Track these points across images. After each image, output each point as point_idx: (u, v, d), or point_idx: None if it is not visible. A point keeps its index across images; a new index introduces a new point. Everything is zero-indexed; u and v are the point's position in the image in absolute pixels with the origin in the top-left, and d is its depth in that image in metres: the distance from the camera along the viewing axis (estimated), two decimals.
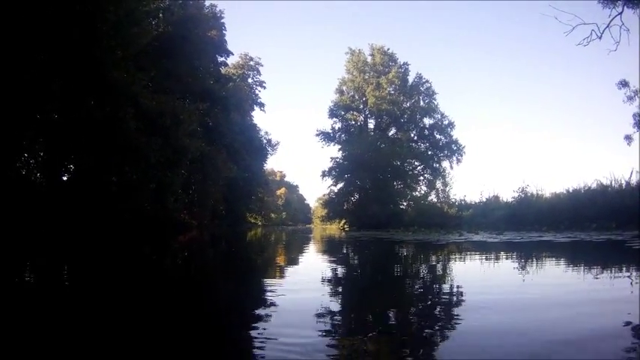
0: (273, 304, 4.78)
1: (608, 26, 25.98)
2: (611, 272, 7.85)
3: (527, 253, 12.15)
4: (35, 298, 5.20)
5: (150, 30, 28.47)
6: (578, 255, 12.17)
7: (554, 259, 10.79)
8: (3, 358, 2.96)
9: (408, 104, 66.16)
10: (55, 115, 22.19)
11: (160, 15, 34.81)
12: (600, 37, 26.25)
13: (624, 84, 31.07)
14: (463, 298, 5.32)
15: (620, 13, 25.58)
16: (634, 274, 7.49)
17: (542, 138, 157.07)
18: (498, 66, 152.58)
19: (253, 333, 3.53)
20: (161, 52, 32.68)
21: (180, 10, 38.49)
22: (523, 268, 8.71)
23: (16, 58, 19.60)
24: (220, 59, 50.66)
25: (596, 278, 7.09)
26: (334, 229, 57.34)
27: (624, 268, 8.35)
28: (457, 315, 4.23)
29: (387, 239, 20.83)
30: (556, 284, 6.38)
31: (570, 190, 32.55)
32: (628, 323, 3.77)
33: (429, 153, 66.41)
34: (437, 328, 3.78)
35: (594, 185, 31.10)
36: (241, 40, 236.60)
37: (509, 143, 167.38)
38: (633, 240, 14.96)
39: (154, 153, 26.99)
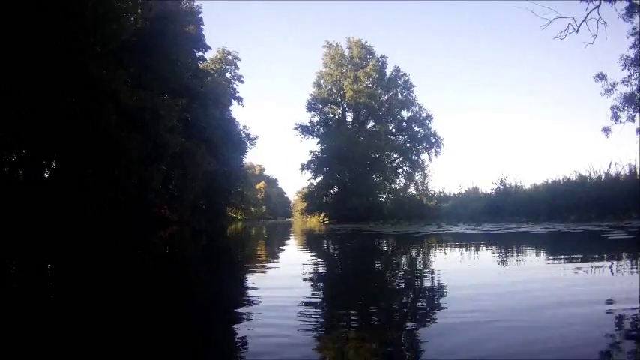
0: (254, 300, 4.85)
1: (585, 19, 26.28)
2: (578, 261, 8.19)
3: (503, 244, 12.42)
4: (16, 297, 5.25)
5: (129, 26, 28.40)
6: (552, 245, 12.43)
7: (529, 249, 11.03)
8: None
9: (386, 97, 66.48)
10: (35, 111, 22.11)
11: (138, 10, 34.70)
12: (577, 31, 26.55)
13: (601, 77, 31.36)
14: (442, 289, 5.45)
15: (598, 7, 25.88)
16: (604, 262, 7.80)
17: (522, 130, 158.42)
18: (478, 58, 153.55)
19: (234, 330, 3.59)
20: (139, 47, 32.57)
21: (158, 6, 38.40)
22: (500, 258, 8.97)
23: None
24: (198, 54, 50.29)
25: (565, 268, 7.35)
26: (314, 222, 57.52)
27: (596, 257, 8.63)
28: (438, 306, 4.38)
29: (366, 232, 21.02)
30: (530, 273, 6.62)
31: (549, 182, 32.74)
32: (610, 312, 4.00)
33: (408, 145, 66.82)
34: (418, 320, 3.89)
35: (573, 177, 31.36)
36: (219, 34, 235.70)
37: (488, 136, 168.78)
38: (609, 230, 15.24)
39: (135, 149, 27.01)
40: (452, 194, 44.02)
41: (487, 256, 9.64)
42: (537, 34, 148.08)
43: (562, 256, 8.97)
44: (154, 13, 36.54)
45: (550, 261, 8.36)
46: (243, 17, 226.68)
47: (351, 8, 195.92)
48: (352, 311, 4.31)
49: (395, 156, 66.87)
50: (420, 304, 4.65)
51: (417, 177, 65.30)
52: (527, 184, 35.50)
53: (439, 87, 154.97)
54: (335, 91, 68.10)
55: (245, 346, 3.16)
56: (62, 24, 21.44)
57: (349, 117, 69.17)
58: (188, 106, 39.95)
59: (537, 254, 9.82)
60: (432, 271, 7.09)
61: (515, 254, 9.77)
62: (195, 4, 46.73)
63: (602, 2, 25.84)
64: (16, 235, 16.88)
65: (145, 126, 29.06)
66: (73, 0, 21.85)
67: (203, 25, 48.36)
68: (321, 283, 6.34)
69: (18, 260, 9.39)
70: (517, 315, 3.78)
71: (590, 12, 26.07)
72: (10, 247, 12.54)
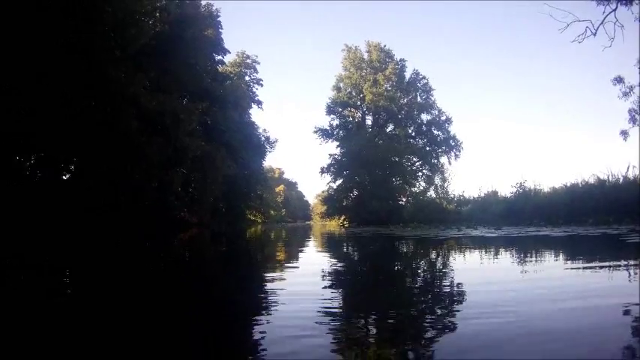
0: (273, 301, 4.86)
1: (602, 23, 26.12)
2: (597, 264, 8.13)
3: (524, 248, 12.37)
4: (39, 297, 5.26)
5: (148, 30, 28.53)
6: (573, 249, 12.36)
7: (551, 253, 11.00)
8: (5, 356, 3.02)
9: (405, 100, 66.29)
10: (55, 115, 22.25)
11: (157, 14, 34.81)
12: (595, 34, 26.39)
13: (619, 80, 31.23)
14: (463, 294, 5.41)
15: (614, 10, 25.69)
16: (622, 266, 7.72)
17: (541, 133, 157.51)
18: (496, 62, 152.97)
19: (253, 331, 3.63)
20: (158, 51, 32.71)
21: (176, 10, 38.48)
22: (521, 262, 8.90)
23: (16, 60, 19.74)
24: (217, 58, 50.50)
25: (584, 270, 7.33)
26: (334, 225, 57.42)
27: (614, 260, 8.59)
28: (458, 312, 4.32)
29: (387, 235, 20.96)
30: (550, 278, 6.53)
31: (568, 185, 32.65)
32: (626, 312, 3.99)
33: (427, 149, 66.60)
34: (438, 324, 3.85)
35: (592, 180, 31.23)
36: (238, 38, 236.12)
37: (507, 138, 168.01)
38: (628, 234, 15.12)
39: (155, 152, 27.15)
40: (471, 197, 43.94)
41: (508, 259, 9.57)
42: (556, 38, 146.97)
43: (590, 261, 8.89)
44: (173, 17, 36.67)
45: (573, 265, 8.33)
46: (262, 21, 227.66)
47: (371, 11, 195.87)
48: (372, 314, 4.29)
49: (414, 159, 66.59)
50: (439, 307, 4.58)
51: (437, 180, 65.11)
52: (546, 187, 35.45)
53: (458, 90, 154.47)
54: (354, 94, 67.99)
55: (263, 348, 3.15)
56: (81, 28, 21.56)
57: (369, 120, 69.03)
58: (208, 110, 40.10)
59: (561, 258, 9.76)
60: (453, 275, 7.06)
61: (536, 258, 9.72)
62: (214, 7, 46.81)
63: (619, 5, 25.68)
64: (37, 236, 16.93)
65: (165, 130, 29.20)
66: (92, 4, 21.96)
67: (222, 28, 48.54)
68: (342, 286, 6.31)
69: (40, 261, 9.37)
70: (541, 322, 3.73)
71: (607, 15, 25.89)
72: (32, 248, 12.55)
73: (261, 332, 3.55)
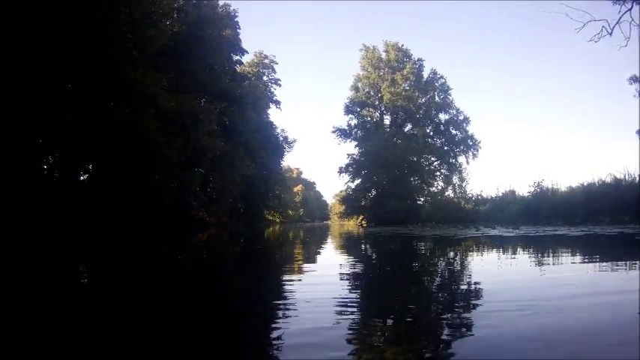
0: (290, 301, 4.84)
1: (618, 22, 26.00)
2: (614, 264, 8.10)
3: (541, 247, 12.37)
4: (58, 296, 5.32)
5: (166, 31, 28.68)
6: (589, 248, 12.37)
7: (567, 252, 11.01)
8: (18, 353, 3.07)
9: (423, 100, 66.27)
10: (73, 116, 22.40)
11: (174, 15, 34.99)
12: (611, 34, 26.24)
13: (635, 79, 31.06)
14: (483, 294, 5.30)
15: (630, 9, 25.55)
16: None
17: (557, 132, 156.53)
18: (510, 61, 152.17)
19: (270, 330, 3.62)
20: (176, 52, 32.86)
21: (194, 10, 38.64)
22: (539, 262, 8.89)
23: (34, 61, 19.90)
24: (235, 58, 50.64)
25: (600, 269, 7.36)
26: (352, 225, 57.33)
27: (630, 260, 8.54)
28: (479, 313, 4.26)
29: (406, 235, 20.93)
30: (570, 278, 6.46)
31: (584, 184, 32.60)
32: None
33: (445, 148, 66.51)
34: (456, 325, 3.78)
35: (608, 179, 31.13)
36: (255, 38, 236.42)
37: (524, 137, 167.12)
38: None
39: (175, 153, 27.29)
40: (489, 197, 43.90)
41: (525, 259, 9.58)
42: (572, 37, 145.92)
43: (606, 260, 8.81)
44: (191, 17, 36.85)
45: (589, 263, 8.29)
46: (279, 20, 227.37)
47: (387, 9, 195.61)
48: (391, 313, 4.27)
49: (432, 159, 66.50)
50: (458, 308, 4.52)
51: (455, 180, 64.82)
52: (563, 186, 35.36)
53: (475, 90, 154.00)
54: (372, 94, 68.05)
55: (280, 346, 3.16)
56: (98, 29, 21.70)
57: (387, 120, 69.08)
58: (226, 110, 40.21)
59: (578, 257, 9.76)
60: (474, 274, 7.10)
61: (554, 257, 9.73)
62: (232, 8, 46.95)
63: (635, 5, 25.53)
64: (52, 237, 17.04)
65: (184, 130, 29.36)
66: (109, 6, 22.10)
67: (239, 29, 48.69)
68: (362, 286, 6.31)
69: (53, 262, 9.47)
70: (559, 319, 3.73)
71: (622, 15, 25.75)
72: (47, 249, 12.62)
73: (277, 332, 3.54)
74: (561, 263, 8.51)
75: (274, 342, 3.27)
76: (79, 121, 22.24)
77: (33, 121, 20.66)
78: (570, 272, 6.97)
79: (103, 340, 3.33)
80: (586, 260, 8.88)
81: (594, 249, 12.00)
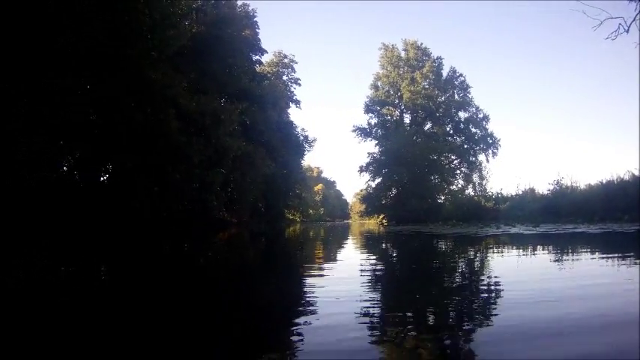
0: (312, 299, 4.91)
1: (634, 20, 25.90)
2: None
3: (561, 245, 12.47)
4: (82, 295, 5.47)
5: (186, 32, 28.84)
6: (608, 245, 12.44)
7: (587, 249, 11.08)
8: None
9: (442, 98, 66.00)
10: (95, 117, 22.56)
11: (193, 15, 35.14)
12: (627, 31, 26.15)
13: None
14: (505, 291, 5.37)
15: None
16: None
17: (575, 129, 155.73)
18: (528, 58, 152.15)
19: (292, 327, 3.64)
20: (196, 52, 33.03)
21: (212, 10, 38.84)
22: (559, 259, 8.98)
23: (55, 63, 20.10)
24: (255, 58, 50.73)
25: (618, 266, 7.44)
26: (373, 224, 57.34)
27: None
28: (503, 308, 4.32)
29: (427, 233, 21.01)
30: (589, 276, 6.52)
31: (604, 182, 32.48)
32: None
33: (465, 147, 66.17)
34: (476, 323, 3.83)
35: (627, 177, 31.00)
36: (274, 37, 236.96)
37: (543, 134, 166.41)
38: None
39: (196, 153, 27.49)
40: (509, 195, 43.76)
41: (546, 257, 9.68)
42: (589, 35, 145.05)
43: (624, 258, 8.90)
44: (209, 17, 37.00)
45: (607, 260, 8.36)
46: (297, 19, 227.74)
47: (405, 8, 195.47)
48: (409, 313, 4.36)
49: (452, 157, 66.34)
50: (481, 306, 4.59)
51: (475, 178, 64.69)
52: (582, 184, 35.26)
53: (494, 87, 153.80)
54: (392, 92, 67.92)
55: (302, 343, 3.21)
56: (118, 30, 21.89)
57: (407, 118, 68.84)
58: (246, 110, 40.30)
59: (597, 254, 9.83)
60: (496, 271, 7.18)
61: (573, 254, 9.85)
62: (250, 8, 47.14)
63: None
64: (73, 237, 17.21)
65: (206, 130, 29.56)
66: (129, 7, 22.27)
67: (259, 28, 48.83)
68: (384, 284, 6.35)
69: (74, 260, 9.62)
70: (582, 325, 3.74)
71: (639, 12, 25.64)
72: (69, 247, 12.81)
73: (297, 328, 3.62)
74: (581, 260, 8.62)
75: (294, 340, 3.32)
76: (101, 121, 22.44)
77: (54, 122, 20.83)
78: (589, 269, 7.12)
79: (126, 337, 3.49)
80: (604, 257, 8.99)
81: (613, 246, 12.06)
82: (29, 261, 9.18)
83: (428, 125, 67.93)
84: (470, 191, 61.61)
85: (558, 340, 3.15)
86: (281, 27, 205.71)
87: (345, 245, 15.94)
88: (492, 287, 5.67)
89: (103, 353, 3.13)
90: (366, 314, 4.07)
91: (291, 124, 61.94)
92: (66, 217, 20.85)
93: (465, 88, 66.40)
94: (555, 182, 36.28)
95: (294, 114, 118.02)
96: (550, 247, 11.64)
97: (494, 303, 4.66)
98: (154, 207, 25.72)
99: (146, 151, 24.97)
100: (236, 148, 33.35)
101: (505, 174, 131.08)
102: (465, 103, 66.07)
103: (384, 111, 68.22)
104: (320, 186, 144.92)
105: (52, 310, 4.45)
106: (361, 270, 7.64)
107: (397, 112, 68.53)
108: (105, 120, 23.01)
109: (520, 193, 41.34)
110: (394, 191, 64.35)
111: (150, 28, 23.66)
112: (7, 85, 18.73)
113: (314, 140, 68.54)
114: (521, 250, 11.13)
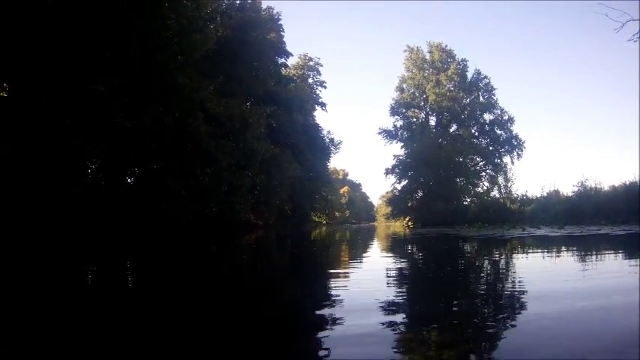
0: (338, 301, 4.93)
1: None
2: None
3: (586, 247, 12.64)
4: (109, 296, 5.71)
5: (212, 36, 29.07)
6: (632, 247, 12.59)
7: (610, 251, 11.28)
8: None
9: (467, 100, 66.01)
10: (124, 121, 22.85)
11: (218, 19, 35.37)
12: None
13: None
14: (532, 292, 5.38)
15: None
16: None
17: (600, 130, 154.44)
18: (553, 60, 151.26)
19: (318, 330, 3.69)
20: (221, 56, 33.23)
21: (237, 14, 39.08)
22: (583, 261, 9.12)
23: (85, 68, 20.46)
24: (280, 61, 50.82)
25: None
26: (398, 226, 57.24)
27: None
28: (529, 310, 4.39)
29: (453, 235, 21.04)
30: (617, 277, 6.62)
31: (627, 183, 32.47)
32: None
33: (490, 149, 66.01)
34: (501, 325, 3.85)
35: None
36: (299, 39, 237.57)
37: (567, 136, 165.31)
38: None
39: (225, 156, 27.80)
40: (534, 197, 43.75)
41: (570, 259, 9.82)
42: (611, 36, 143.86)
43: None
44: (235, 21, 37.23)
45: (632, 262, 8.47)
46: (322, 22, 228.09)
47: (430, 11, 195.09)
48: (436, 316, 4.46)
49: (478, 159, 66.12)
50: (507, 308, 4.65)
51: (500, 180, 64.25)
52: (605, 185, 35.28)
53: (518, 89, 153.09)
54: (417, 95, 67.92)
55: (326, 345, 3.23)
56: (145, 36, 22.21)
57: (432, 121, 68.83)
58: (273, 113, 40.50)
59: (620, 256, 9.93)
60: (526, 273, 7.31)
61: (597, 256, 9.97)
62: (275, 11, 47.54)
63: None
64: (100, 239, 17.49)
65: (234, 134, 29.88)
66: (155, 12, 22.57)
67: (283, 31, 48.98)
68: (415, 287, 6.45)
69: (101, 263, 9.89)
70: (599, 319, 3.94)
71: None
72: (95, 251, 13.03)
73: (322, 331, 3.69)
74: (605, 261, 8.77)
75: (320, 343, 3.33)
76: (130, 124, 22.75)
77: (85, 126, 21.14)
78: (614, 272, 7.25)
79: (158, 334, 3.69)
80: (629, 258, 9.17)
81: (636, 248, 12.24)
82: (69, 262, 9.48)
83: (453, 127, 67.96)
84: (495, 193, 61.55)
85: (582, 344, 3.20)
86: (306, 29, 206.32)
87: (371, 248, 15.89)
88: (523, 294, 5.70)
89: (135, 347, 3.33)
90: (391, 324, 3.97)
91: (317, 127, 62.21)
92: (93, 220, 21.18)
93: (489, 90, 66.28)
94: (579, 184, 36.36)
95: (319, 116, 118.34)
96: (578, 250, 11.69)
97: (530, 305, 4.68)
98: (182, 210, 26.02)
99: (175, 154, 25.30)
100: (264, 151, 33.60)
101: (529, 176, 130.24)
102: (490, 105, 65.90)
103: (410, 113, 68.31)
104: (346, 188, 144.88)
105: (92, 309, 4.72)
106: (387, 274, 7.72)
107: (422, 115, 68.58)
108: (134, 125, 23.27)
109: (545, 195, 41.41)
110: (420, 193, 64.33)
111: (177, 32, 23.99)
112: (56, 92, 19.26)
113: (340, 143, 68.92)
114: (547, 252, 11.27)
